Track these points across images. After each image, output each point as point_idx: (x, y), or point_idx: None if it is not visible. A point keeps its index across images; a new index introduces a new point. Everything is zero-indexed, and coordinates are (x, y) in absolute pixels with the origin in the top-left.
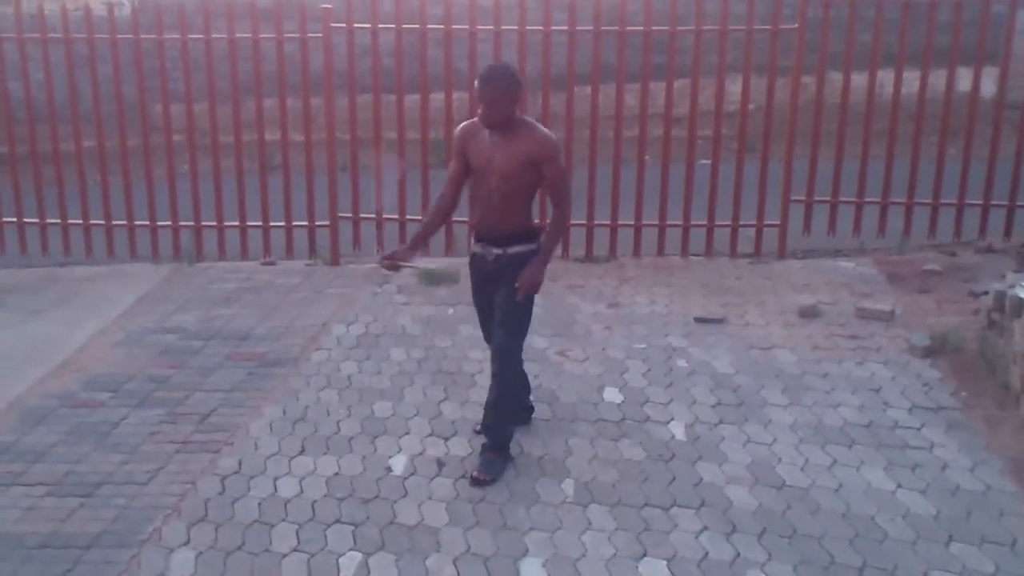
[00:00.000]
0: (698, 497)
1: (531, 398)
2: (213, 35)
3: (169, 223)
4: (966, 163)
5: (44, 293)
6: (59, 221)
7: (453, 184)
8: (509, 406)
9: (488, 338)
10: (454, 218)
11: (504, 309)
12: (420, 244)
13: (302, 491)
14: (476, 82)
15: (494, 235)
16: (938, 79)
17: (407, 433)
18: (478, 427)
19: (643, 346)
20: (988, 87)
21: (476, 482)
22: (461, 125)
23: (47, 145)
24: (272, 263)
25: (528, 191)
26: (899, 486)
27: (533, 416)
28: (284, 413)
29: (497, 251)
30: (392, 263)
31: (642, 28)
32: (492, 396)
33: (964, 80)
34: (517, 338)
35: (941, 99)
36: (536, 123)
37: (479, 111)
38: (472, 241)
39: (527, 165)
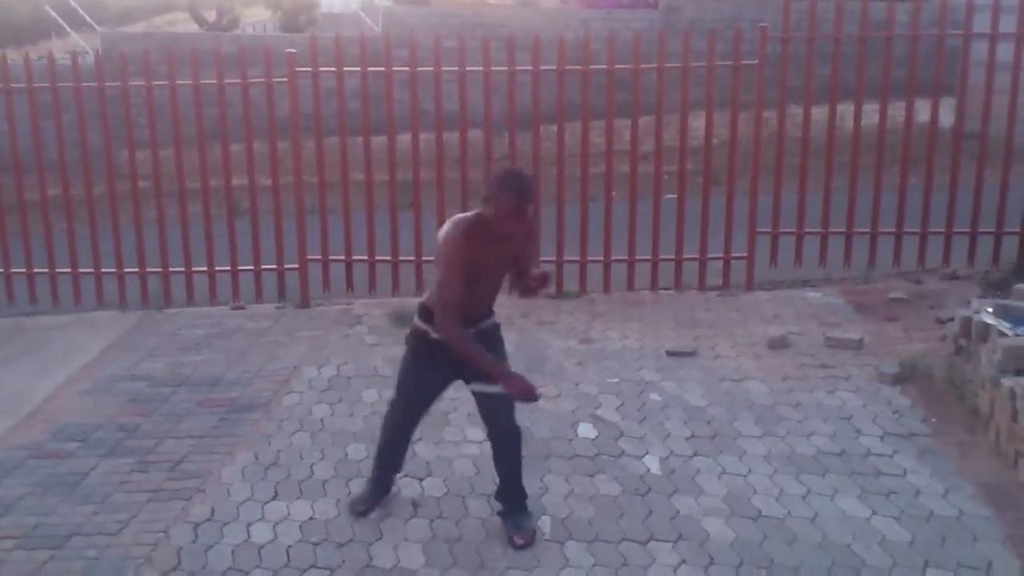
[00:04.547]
0: (675, 530)
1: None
2: (178, 81)
3: (136, 270)
4: (927, 192)
5: (10, 343)
6: (24, 270)
7: (460, 299)
8: None
9: (413, 424)
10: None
11: (494, 394)
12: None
13: (276, 537)
14: (524, 192)
15: (472, 319)
16: (897, 111)
17: None
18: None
19: (616, 380)
20: (946, 118)
21: (524, 546)
22: (460, 230)
23: (11, 195)
24: (241, 307)
25: None
26: (874, 513)
27: None
28: (256, 458)
29: (469, 330)
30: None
31: (606, 67)
32: (514, 466)
33: (922, 111)
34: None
35: (900, 130)
36: None
37: (523, 215)
38: (426, 326)
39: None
